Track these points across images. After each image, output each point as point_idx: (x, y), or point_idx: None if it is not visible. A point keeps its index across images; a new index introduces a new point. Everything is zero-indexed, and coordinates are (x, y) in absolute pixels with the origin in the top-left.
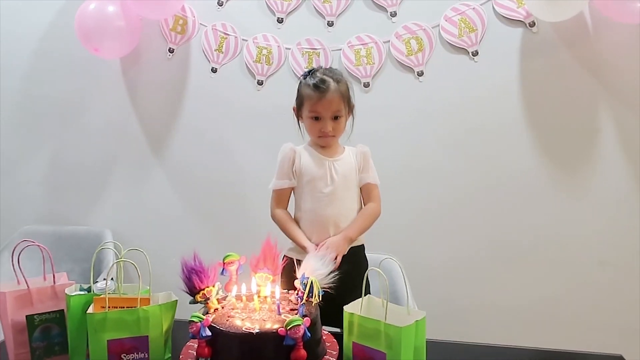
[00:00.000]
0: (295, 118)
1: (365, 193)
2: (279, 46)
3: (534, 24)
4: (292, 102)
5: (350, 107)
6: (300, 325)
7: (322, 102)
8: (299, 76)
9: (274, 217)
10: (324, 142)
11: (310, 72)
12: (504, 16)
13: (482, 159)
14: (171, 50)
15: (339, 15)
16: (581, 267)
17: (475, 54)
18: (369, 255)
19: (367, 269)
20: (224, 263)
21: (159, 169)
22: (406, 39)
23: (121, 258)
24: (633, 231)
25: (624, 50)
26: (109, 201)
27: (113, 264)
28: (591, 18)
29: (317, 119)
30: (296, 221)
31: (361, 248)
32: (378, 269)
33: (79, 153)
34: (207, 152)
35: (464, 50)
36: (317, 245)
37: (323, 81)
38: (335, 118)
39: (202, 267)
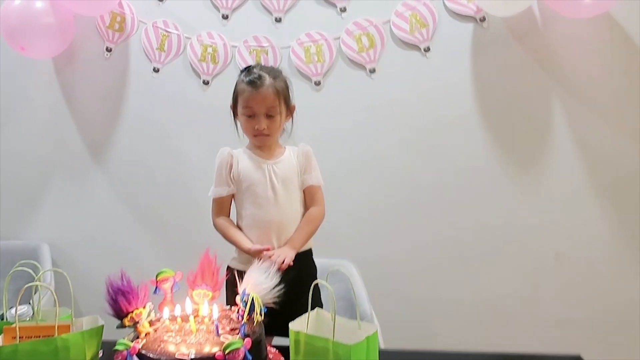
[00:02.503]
0: (233, 117)
1: (308, 196)
2: (224, 44)
3: (485, 19)
4: None
5: (289, 107)
6: (239, 348)
7: (256, 97)
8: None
9: (215, 226)
10: (259, 142)
11: (248, 69)
12: (454, 12)
13: (436, 156)
14: (109, 49)
15: (287, 11)
16: (538, 262)
17: (427, 50)
18: (321, 260)
19: (315, 273)
20: (157, 281)
21: (99, 175)
22: (357, 35)
23: (37, 280)
24: (586, 223)
25: (573, 44)
26: (45, 212)
27: (24, 288)
28: (540, 13)
29: (250, 116)
30: (238, 229)
31: (308, 252)
32: (325, 283)
33: (11, 160)
34: (151, 155)
35: (416, 47)
36: (261, 246)
37: (259, 77)
38: (270, 116)
39: (130, 286)
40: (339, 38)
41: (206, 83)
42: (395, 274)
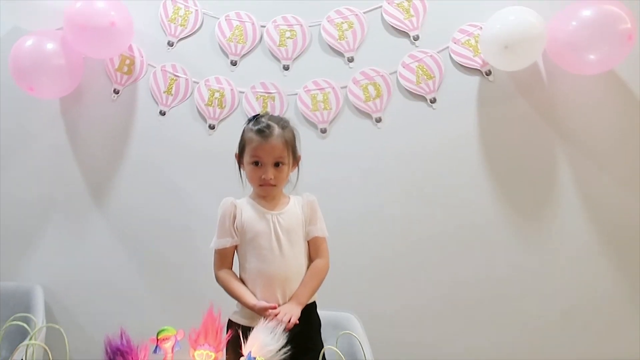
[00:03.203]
0: (237, 165)
1: (313, 247)
2: (232, 89)
3: (490, 72)
4: None
5: (295, 157)
6: None
7: (264, 146)
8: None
9: (217, 280)
10: (264, 192)
11: (255, 118)
12: (460, 64)
13: (440, 207)
14: (116, 91)
15: (295, 59)
16: (544, 317)
17: (434, 101)
18: (324, 312)
19: (319, 327)
20: (157, 339)
21: (99, 218)
22: (364, 84)
23: (32, 338)
24: (593, 279)
25: (578, 100)
26: (41, 253)
27: (19, 347)
28: (545, 68)
29: (257, 164)
30: (241, 282)
31: (313, 305)
32: (336, 349)
33: (9, 198)
34: (154, 198)
35: (422, 97)
36: (265, 302)
37: (268, 126)
38: (277, 165)
39: (130, 346)
40: (345, 87)
41: (212, 127)
42: (398, 327)
